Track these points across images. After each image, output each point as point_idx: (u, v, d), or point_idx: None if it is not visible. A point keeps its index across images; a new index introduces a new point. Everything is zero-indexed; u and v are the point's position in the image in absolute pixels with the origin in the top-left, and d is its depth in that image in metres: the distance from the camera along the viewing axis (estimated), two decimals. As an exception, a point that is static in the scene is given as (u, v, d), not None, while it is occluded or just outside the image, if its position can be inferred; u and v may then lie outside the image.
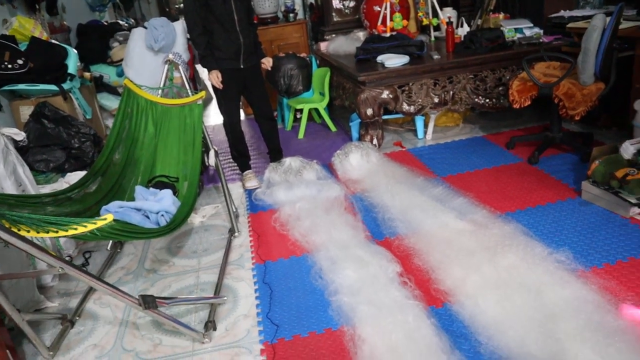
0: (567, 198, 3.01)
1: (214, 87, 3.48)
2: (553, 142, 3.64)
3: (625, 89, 3.54)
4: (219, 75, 3.41)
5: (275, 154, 3.89)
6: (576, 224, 2.73)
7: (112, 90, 4.70)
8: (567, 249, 2.47)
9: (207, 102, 6.60)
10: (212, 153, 3.11)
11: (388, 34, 4.59)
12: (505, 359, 1.87)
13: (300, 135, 4.83)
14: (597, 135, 3.84)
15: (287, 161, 3.70)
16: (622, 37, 3.40)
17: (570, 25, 4.01)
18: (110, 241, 3.07)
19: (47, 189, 3.02)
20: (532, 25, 4.37)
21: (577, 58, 3.25)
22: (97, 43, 4.93)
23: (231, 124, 3.63)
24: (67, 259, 2.89)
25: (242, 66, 3.46)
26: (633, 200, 2.70)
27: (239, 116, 3.70)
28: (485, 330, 2.02)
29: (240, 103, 3.76)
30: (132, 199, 2.77)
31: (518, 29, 4.33)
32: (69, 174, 3.22)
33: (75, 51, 3.89)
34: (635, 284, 2.20)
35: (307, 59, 5.08)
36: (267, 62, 3.68)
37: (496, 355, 1.90)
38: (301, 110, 4.88)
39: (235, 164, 3.96)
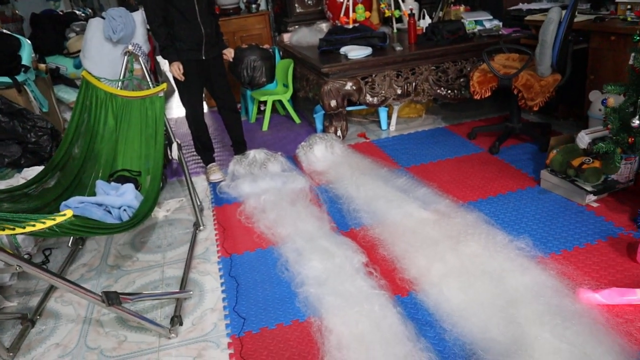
0: (526, 187, 3.10)
1: (175, 79, 3.41)
2: (513, 132, 3.73)
3: (581, 80, 3.65)
4: (180, 67, 3.34)
5: (239, 147, 3.86)
6: (535, 212, 2.81)
7: (69, 82, 4.58)
8: (527, 236, 2.54)
9: (168, 94, 6.49)
10: (175, 146, 3.06)
11: (351, 26, 4.60)
12: (469, 345, 1.91)
13: (264, 127, 4.81)
14: (554, 125, 3.96)
15: (252, 153, 3.68)
16: (577, 30, 3.51)
17: (528, 18, 4.11)
18: (72, 238, 3.00)
19: (2, 185, 2.92)
20: (491, 17, 4.45)
21: (535, 50, 3.33)
22: (53, 33, 4.78)
23: (194, 117, 3.58)
24: (25, 256, 2.81)
25: (203, 57, 3.39)
26: (589, 188, 2.80)
27: (202, 108, 3.64)
28: (450, 318, 2.06)
29: (203, 95, 3.69)
30: (93, 194, 2.71)
31: (478, 21, 4.40)
32: (25, 169, 3.13)
33: (29, 42, 3.76)
34: (591, 268, 2.29)
35: (270, 50, 5.04)
36: (229, 53, 3.63)
37: (460, 342, 1.94)
38: (265, 103, 4.85)
39: (199, 157, 3.91)
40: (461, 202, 2.98)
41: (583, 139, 2.98)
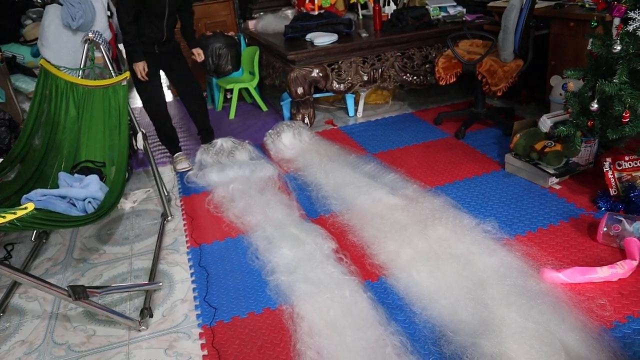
0: (492, 171, 3.16)
1: (133, 75, 3.34)
2: (478, 117, 3.78)
3: (543, 65, 3.73)
4: (145, 67, 3.30)
5: (206, 135, 3.81)
6: (501, 195, 2.87)
7: (27, 71, 4.42)
8: (493, 219, 2.59)
9: (132, 83, 6.34)
10: (140, 136, 3.01)
11: (316, 12, 4.58)
12: (438, 327, 1.95)
13: (231, 115, 4.76)
14: (517, 110, 4.03)
15: (219, 142, 3.64)
16: (538, 16, 3.57)
17: (491, 4, 4.17)
18: (35, 232, 2.92)
19: (-42, 178, 2.82)
20: (455, 4, 4.49)
21: (498, 36, 3.38)
22: (8, 20, 4.59)
23: (154, 109, 3.51)
24: (-14, 252, 2.73)
25: (156, 51, 3.38)
26: (551, 171, 2.87)
27: (163, 99, 3.56)
28: (419, 301, 2.09)
29: (165, 87, 3.63)
30: (56, 187, 2.64)
31: (442, 8, 4.44)
32: (-17, 162, 3.01)
33: (-17, 30, 3.61)
34: (554, 249, 2.35)
35: (236, 37, 4.98)
36: (198, 55, 3.60)
37: (430, 324, 1.98)
38: (231, 91, 4.79)
39: (165, 147, 3.84)
40: (429, 187, 3.02)
41: (545, 123, 3.04)
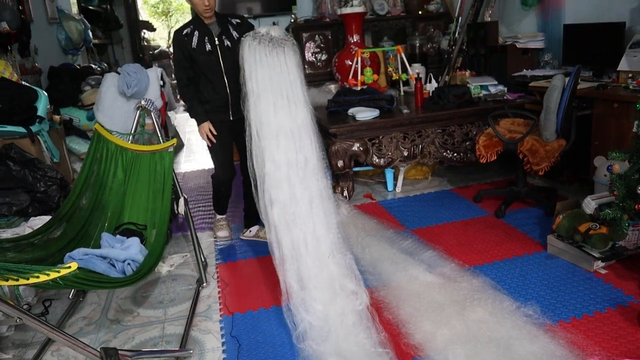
0: (533, 252, 3.07)
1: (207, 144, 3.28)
2: (519, 196, 3.73)
3: (586, 145, 3.69)
4: (211, 127, 3.19)
5: (251, 218, 3.56)
6: (543, 278, 2.77)
7: (81, 134, 4.66)
8: (534, 302, 2.50)
9: (178, 149, 6.58)
10: (181, 201, 3.08)
11: (359, 88, 4.71)
12: (476, 416, 1.85)
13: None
14: (560, 190, 3.96)
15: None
16: (580, 96, 3.58)
17: (532, 84, 4.20)
18: (73, 289, 2.97)
19: (8, 233, 2.92)
20: (496, 83, 4.56)
21: (540, 115, 3.39)
22: (69, 86, 4.91)
23: (222, 180, 3.40)
24: (25, 307, 2.77)
25: (231, 118, 3.23)
26: (596, 255, 2.77)
27: (231, 172, 3.39)
28: (456, 386, 2.00)
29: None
30: (98, 246, 2.70)
31: (483, 86, 4.51)
32: (32, 218, 3.13)
33: (46, 94, 3.86)
34: (601, 338, 2.23)
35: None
36: None
37: (467, 412, 1.88)
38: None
39: (209, 211, 3.77)
40: (467, 266, 2.95)
41: (589, 204, 2.97)
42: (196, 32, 3.07)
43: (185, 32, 3.09)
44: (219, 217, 3.70)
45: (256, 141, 2.50)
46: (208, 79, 3.14)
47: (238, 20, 3.18)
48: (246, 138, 2.61)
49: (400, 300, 2.61)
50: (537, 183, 4.20)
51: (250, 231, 3.60)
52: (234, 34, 3.10)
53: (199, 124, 3.21)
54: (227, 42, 3.09)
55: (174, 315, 2.75)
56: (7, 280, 1.77)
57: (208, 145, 3.29)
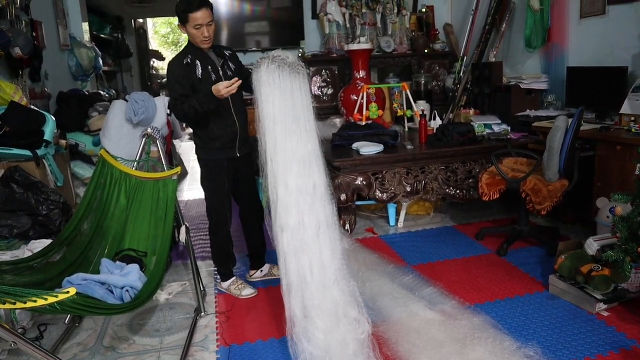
0: (535, 291, 3.04)
1: (202, 180, 3.15)
2: (521, 235, 3.72)
3: (589, 186, 3.69)
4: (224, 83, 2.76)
5: (257, 260, 3.44)
6: (544, 318, 2.74)
7: (86, 159, 4.69)
8: (536, 343, 2.46)
9: (181, 177, 6.60)
10: (183, 229, 3.07)
11: (364, 123, 4.75)
12: None
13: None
14: (562, 230, 3.95)
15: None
16: (583, 138, 3.60)
17: (535, 124, 4.24)
18: (70, 315, 2.94)
19: (7, 256, 2.91)
20: (500, 122, 4.60)
21: (543, 156, 3.41)
22: (77, 111, 4.96)
23: (219, 223, 3.17)
24: (20, 331, 2.74)
25: (238, 155, 3.08)
26: (599, 297, 2.74)
27: (229, 216, 3.19)
28: None
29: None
30: (97, 272, 2.68)
31: (487, 125, 4.54)
32: (32, 241, 3.13)
33: (54, 118, 3.90)
34: (603, 383, 2.20)
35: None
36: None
37: None
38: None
39: (216, 268, 3.36)
40: (468, 304, 2.92)
41: (592, 245, 2.96)
42: (198, 62, 2.90)
43: (185, 61, 2.88)
44: (231, 280, 3.28)
45: (270, 166, 2.50)
46: (217, 113, 2.93)
47: (230, 52, 3.08)
48: (259, 162, 2.56)
49: (399, 337, 2.58)
50: (539, 222, 4.19)
51: (261, 271, 3.44)
52: (231, 65, 3.03)
53: (211, 100, 2.79)
54: (229, 73, 2.98)
55: (170, 345, 2.72)
56: (4, 303, 1.76)
57: (206, 185, 3.15)
